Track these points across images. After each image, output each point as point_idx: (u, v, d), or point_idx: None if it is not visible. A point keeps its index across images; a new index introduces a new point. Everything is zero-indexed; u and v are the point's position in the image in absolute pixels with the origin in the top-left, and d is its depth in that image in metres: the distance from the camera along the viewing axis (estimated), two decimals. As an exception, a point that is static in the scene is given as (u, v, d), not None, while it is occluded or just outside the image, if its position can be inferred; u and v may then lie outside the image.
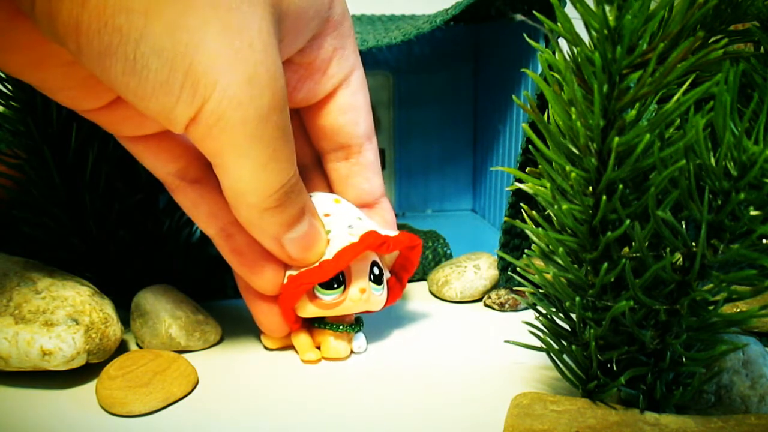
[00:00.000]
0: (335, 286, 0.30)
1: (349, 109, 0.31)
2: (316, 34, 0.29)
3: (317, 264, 0.30)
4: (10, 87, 0.34)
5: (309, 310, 0.31)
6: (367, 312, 0.33)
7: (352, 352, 0.33)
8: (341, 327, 0.32)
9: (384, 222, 0.34)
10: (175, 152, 0.30)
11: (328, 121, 0.32)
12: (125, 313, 0.34)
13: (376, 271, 0.32)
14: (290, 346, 0.33)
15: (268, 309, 0.31)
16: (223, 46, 0.23)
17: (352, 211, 0.32)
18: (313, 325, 0.32)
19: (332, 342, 0.32)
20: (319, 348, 0.32)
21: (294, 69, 0.30)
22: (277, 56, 0.25)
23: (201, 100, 0.24)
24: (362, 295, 0.31)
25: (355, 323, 0.33)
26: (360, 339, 0.33)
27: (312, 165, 0.35)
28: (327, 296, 0.30)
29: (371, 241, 0.30)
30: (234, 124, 0.24)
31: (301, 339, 0.32)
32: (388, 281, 0.33)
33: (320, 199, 0.32)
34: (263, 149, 0.25)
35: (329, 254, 0.30)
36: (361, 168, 0.33)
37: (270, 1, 0.25)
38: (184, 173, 0.30)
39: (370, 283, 0.31)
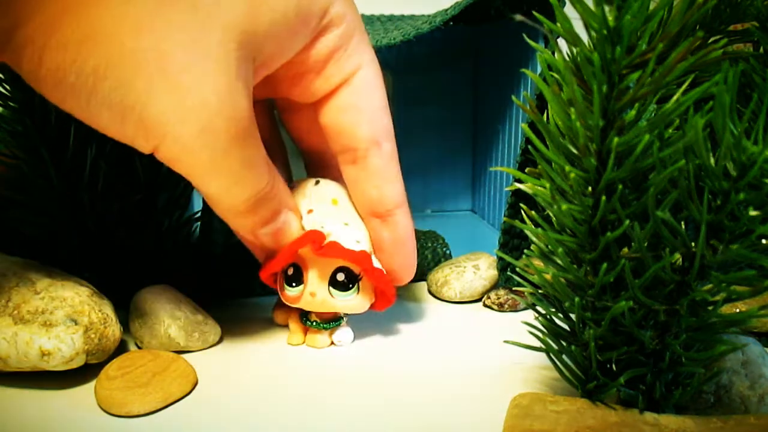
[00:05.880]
0: (293, 284, 0.32)
1: (349, 109, 0.30)
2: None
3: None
4: (8, 87, 0.34)
5: (283, 299, 0.33)
6: (353, 313, 0.33)
7: (332, 343, 0.34)
8: (320, 324, 0.33)
9: (393, 239, 0.33)
10: None
11: (329, 120, 0.31)
12: (124, 313, 0.34)
13: (339, 276, 0.32)
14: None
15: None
16: (173, 104, 0.25)
17: (343, 215, 0.33)
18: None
19: (311, 334, 0.34)
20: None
21: (285, 68, 0.29)
22: (238, 99, 0.26)
23: (154, 142, 0.26)
24: (312, 299, 0.32)
25: (334, 320, 0.34)
26: (342, 332, 0.34)
27: (328, 151, 0.34)
28: (289, 292, 0.33)
29: (307, 238, 0.31)
30: (190, 163, 0.27)
31: (292, 324, 0.34)
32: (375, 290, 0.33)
33: (320, 193, 0.33)
34: (224, 178, 0.27)
35: None
36: (368, 174, 0.31)
37: (237, 45, 0.26)
38: None
39: (331, 288, 0.32)
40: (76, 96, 0.25)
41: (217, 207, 0.29)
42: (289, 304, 0.33)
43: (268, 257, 0.32)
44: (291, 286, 0.32)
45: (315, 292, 0.32)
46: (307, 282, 0.32)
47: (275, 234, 0.31)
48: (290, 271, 0.32)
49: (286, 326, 0.35)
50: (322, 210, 0.32)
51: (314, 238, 0.31)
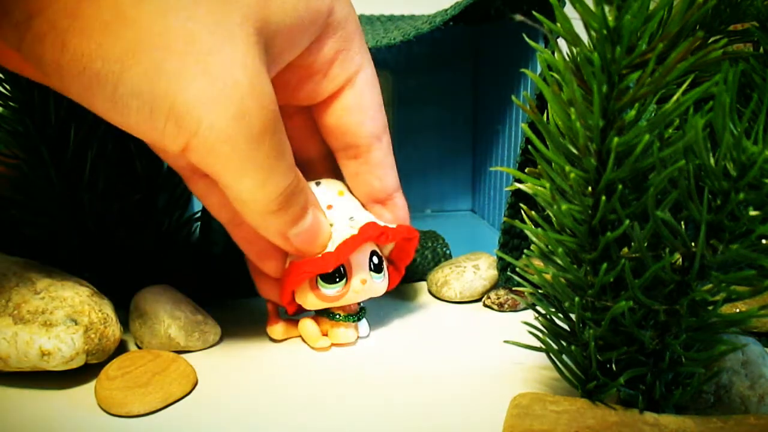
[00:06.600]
0: (337, 279, 0.32)
1: (354, 109, 0.31)
2: (316, 38, 0.29)
3: (320, 255, 0.31)
4: (8, 87, 0.34)
5: (311, 301, 0.32)
6: (380, 294, 0.34)
7: (358, 337, 0.34)
8: (350, 317, 0.33)
9: (395, 219, 0.34)
10: None
11: (334, 120, 0.32)
12: (124, 313, 0.34)
13: (375, 260, 0.33)
14: (293, 339, 0.34)
15: (271, 285, 0.33)
16: (206, 87, 0.24)
17: (353, 202, 0.34)
18: (321, 315, 0.34)
19: (342, 330, 0.33)
20: (325, 335, 0.34)
21: (293, 70, 0.30)
22: (265, 83, 0.26)
23: (187, 135, 0.25)
24: (363, 286, 0.32)
25: (359, 311, 0.34)
26: (364, 324, 0.34)
27: (320, 158, 0.35)
28: (329, 290, 0.32)
29: (370, 232, 0.31)
30: (226, 153, 0.25)
31: (309, 328, 0.34)
32: (387, 268, 0.34)
33: (325, 190, 0.33)
34: (259, 170, 0.26)
35: (331, 247, 0.31)
36: (371, 167, 0.33)
37: (254, 31, 0.25)
38: (195, 167, 0.30)
39: (370, 272, 0.33)
40: (101, 86, 0.23)
41: (249, 207, 0.28)
42: (324, 305, 0.32)
43: (289, 270, 0.31)
44: (335, 282, 0.32)
45: (365, 279, 0.32)
46: (354, 271, 0.32)
47: (306, 234, 0.30)
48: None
49: (284, 341, 0.34)
50: (339, 203, 0.33)
51: (377, 232, 0.32)
